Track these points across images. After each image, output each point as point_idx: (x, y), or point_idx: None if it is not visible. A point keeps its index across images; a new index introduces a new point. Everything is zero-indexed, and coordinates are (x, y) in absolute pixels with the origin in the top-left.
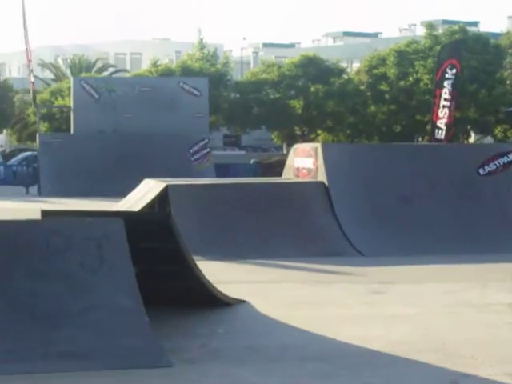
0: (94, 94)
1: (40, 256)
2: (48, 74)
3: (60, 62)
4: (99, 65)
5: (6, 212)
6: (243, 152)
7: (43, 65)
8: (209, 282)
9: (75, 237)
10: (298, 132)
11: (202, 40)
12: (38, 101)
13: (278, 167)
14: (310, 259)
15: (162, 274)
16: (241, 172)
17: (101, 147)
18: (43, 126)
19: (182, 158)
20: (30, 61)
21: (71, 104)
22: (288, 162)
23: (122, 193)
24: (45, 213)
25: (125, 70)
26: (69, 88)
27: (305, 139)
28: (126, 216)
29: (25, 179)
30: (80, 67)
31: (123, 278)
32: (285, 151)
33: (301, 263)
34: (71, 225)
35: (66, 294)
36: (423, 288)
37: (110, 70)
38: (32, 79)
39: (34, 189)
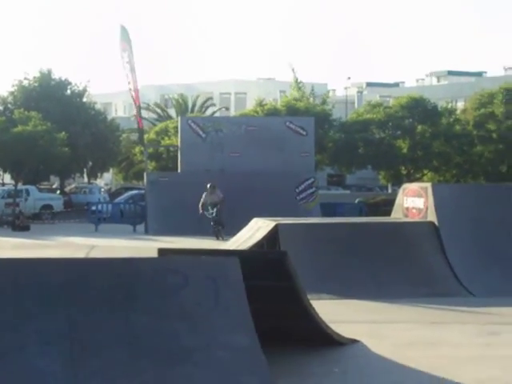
0: (201, 133)
1: (158, 294)
2: (151, 114)
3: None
4: (200, 102)
5: (119, 250)
6: (348, 191)
7: (148, 108)
8: (322, 321)
9: (192, 275)
10: (404, 172)
11: (297, 79)
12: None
13: (383, 206)
14: (421, 299)
15: (276, 312)
16: (346, 211)
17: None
18: (150, 165)
19: (289, 196)
20: (137, 104)
21: (178, 143)
22: (397, 201)
23: (228, 231)
24: (162, 251)
25: (226, 108)
26: (174, 127)
27: (410, 179)
28: (241, 255)
29: (132, 217)
30: (185, 107)
31: (239, 317)
32: (390, 191)
33: (412, 303)
34: (188, 263)
35: (183, 332)
36: None
37: (212, 108)
38: (140, 120)
39: (140, 227)
